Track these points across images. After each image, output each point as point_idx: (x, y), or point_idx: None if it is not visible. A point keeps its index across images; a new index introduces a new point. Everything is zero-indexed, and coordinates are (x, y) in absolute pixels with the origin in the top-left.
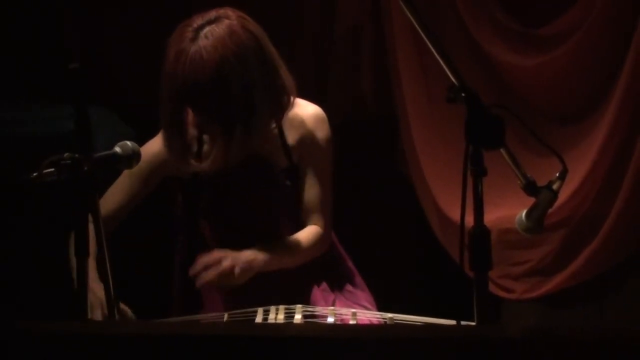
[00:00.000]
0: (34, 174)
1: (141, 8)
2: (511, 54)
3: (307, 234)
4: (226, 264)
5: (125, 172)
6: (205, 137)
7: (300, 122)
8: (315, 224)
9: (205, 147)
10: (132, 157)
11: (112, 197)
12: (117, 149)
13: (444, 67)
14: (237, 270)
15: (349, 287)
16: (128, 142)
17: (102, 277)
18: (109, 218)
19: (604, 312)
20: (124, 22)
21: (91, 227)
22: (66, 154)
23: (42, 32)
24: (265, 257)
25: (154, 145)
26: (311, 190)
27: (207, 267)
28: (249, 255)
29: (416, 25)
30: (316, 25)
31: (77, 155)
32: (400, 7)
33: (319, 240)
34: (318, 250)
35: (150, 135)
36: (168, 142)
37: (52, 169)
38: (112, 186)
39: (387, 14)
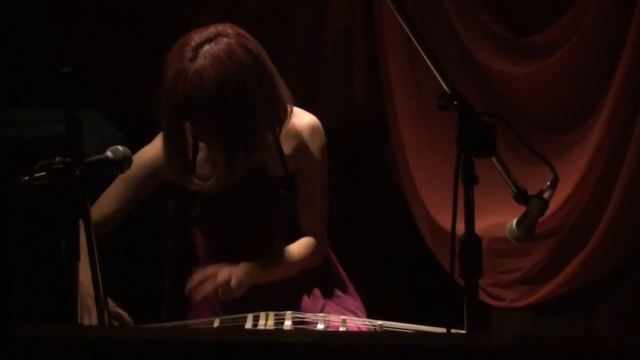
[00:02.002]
0: (25, 178)
1: (132, 11)
2: (502, 62)
3: (301, 246)
4: (222, 276)
5: (120, 177)
6: (201, 144)
7: (297, 132)
8: (310, 235)
9: (200, 155)
10: (124, 162)
11: (106, 202)
12: (109, 153)
13: (436, 74)
14: (233, 281)
15: (338, 293)
16: (119, 147)
17: (94, 281)
18: (102, 222)
19: (594, 320)
20: (114, 25)
21: (82, 231)
22: (57, 158)
23: (35, 35)
24: (260, 270)
25: (150, 151)
26: (306, 201)
27: (202, 282)
28: (244, 268)
29: (408, 32)
30: (307, 29)
31: (68, 159)
32: (392, 14)
33: (314, 252)
34: (313, 262)
35: (141, 139)
36: (169, 159)
37: (44, 173)
38: (106, 190)
39: (379, 20)
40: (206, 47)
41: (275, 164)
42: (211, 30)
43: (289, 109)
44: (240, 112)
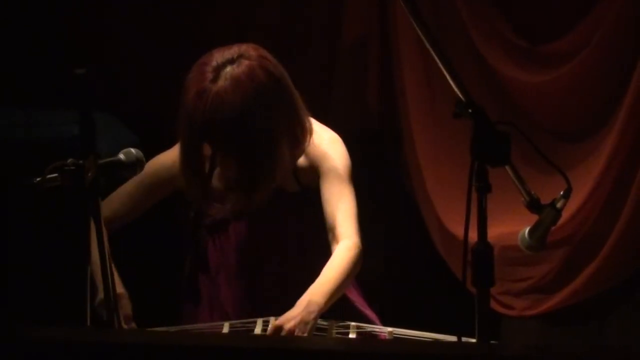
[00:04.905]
0: (38, 179)
1: (146, 13)
2: (517, 71)
3: (343, 251)
4: (289, 326)
5: (134, 178)
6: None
7: (314, 146)
8: (347, 237)
9: (217, 184)
10: (136, 165)
11: (117, 200)
12: (121, 155)
13: (451, 82)
14: (297, 332)
15: (346, 298)
16: (132, 150)
17: (104, 284)
18: (110, 219)
19: (604, 330)
20: (128, 28)
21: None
22: (70, 160)
23: (50, 36)
24: (321, 299)
25: (166, 158)
26: (335, 203)
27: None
28: (309, 310)
29: (423, 39)
30: (322, 37)
31: (81, 161)
32: (407, 22)
33: (357, 253)
34: (360, 262)
35: (154, 142)
36: (187, 180)
37: (56, 174)
38: (118, 189)
39: (393, 28)
40: (228, 69)
41: (290, 180)
42: (234, 50)
43: (307, 134)
44: (260, 133)
